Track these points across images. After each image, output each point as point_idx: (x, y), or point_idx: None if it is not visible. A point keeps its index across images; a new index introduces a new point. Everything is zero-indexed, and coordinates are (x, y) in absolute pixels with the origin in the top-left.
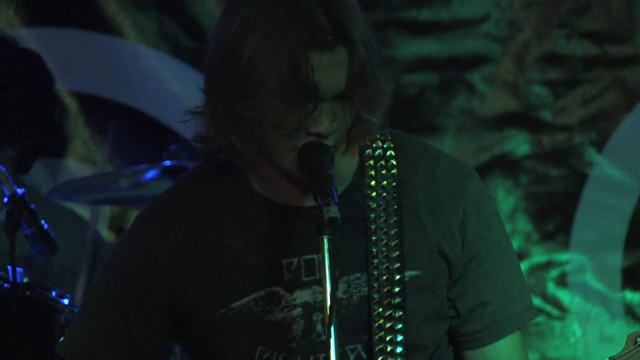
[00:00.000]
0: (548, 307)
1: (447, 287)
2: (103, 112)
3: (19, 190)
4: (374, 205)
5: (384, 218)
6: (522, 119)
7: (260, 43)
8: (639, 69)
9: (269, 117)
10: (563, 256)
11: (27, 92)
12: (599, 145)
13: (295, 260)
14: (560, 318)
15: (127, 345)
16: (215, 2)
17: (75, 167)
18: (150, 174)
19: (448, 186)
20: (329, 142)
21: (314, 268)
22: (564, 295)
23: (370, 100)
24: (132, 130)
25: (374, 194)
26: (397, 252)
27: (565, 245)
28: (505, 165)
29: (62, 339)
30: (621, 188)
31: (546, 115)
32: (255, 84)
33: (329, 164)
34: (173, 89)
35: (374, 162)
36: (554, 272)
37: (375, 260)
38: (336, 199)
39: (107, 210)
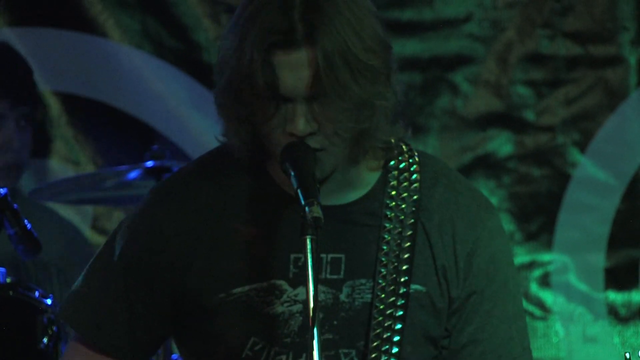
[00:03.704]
0: (531, 307)
1: (447, 315)
2: (86, 112)
3: (2, 190)
4: (391, 215)
5: (399, 230)
6: (505, 119)
7: (235, 37)
8: (621, 69)
9: (242, 112)
10: (546, 256)
11: (8, 89)
12: (582, 146)
13: (303, 257)
14: (543, 318)
15: (127, 316)
16: (197, 2)
17: (58, 167)
18: (133, 174)
19: (465, 213)
20: (312, 143)
21: (321, 267)
22: (546, 296)
23: (343, 106)
24: (115, 131)
25: (393, 204)
26: (407, 266)
27: (548, 246)
28: (488, 166)
29: (64, 301)
30: (604, 188)
31: (529, 115)
32: (229, 78)
33: (312, 164)
34: (156, 89)
35: (398, 174)
36: (537, 272)
37: (384, 270)
38: (319, 199)
39: (90, 210)
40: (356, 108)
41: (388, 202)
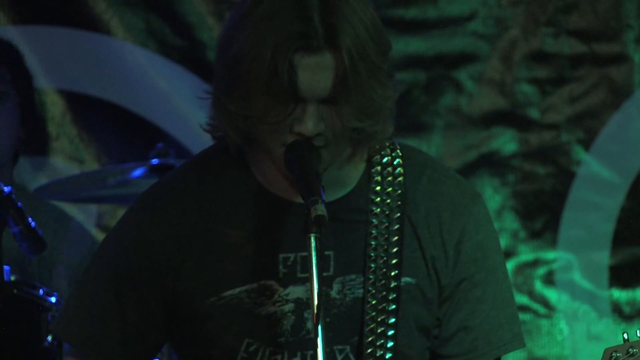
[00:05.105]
0: (535, 306)
1: (437, 304)
2: (90, 111)
3: (6, 189)
4: (377, 210)
5: (386, 224)
6: (509, 117)
7: (250, 36)
8: (626, 67)
9: (252, 111)
10: (550, 254)
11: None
12: (586, 144)
13: (292, 256)
14: (547, 316)
15: (119, 326)
16: (201, 0)
17: (62, 165)
18: (138, 172)
19: (451, 204)
20: (317, 142)
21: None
22: (551, 294)
23: (359, 109)
24: (119, 129)
25: (378, 199)
26: (396, 260)
27: (553, 244)
28: (492, 164)
29: (57, 315)
30: (608, 186)
31: (533, 113)
32: (241, 76)
33: (316, 163)
34: (160, 87)
35: (381, 169)
36: (541, 271)
37: (373, 265)
38: (323, 197)
39: (94, 209)
40: (366, 111)
41: (373, 197)
